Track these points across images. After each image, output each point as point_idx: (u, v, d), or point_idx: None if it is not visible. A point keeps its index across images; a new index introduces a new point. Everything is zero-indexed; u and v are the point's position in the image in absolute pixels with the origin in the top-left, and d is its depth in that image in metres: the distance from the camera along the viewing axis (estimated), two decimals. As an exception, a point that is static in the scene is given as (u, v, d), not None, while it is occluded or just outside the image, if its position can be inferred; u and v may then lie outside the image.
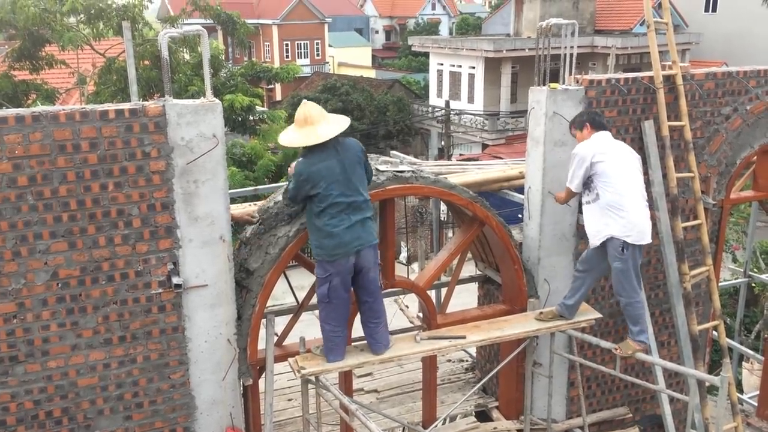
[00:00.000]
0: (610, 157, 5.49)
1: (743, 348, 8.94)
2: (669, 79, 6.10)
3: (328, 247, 4.89)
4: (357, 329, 5.51)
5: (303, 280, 6.43)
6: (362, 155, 5.06)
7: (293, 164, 5.00)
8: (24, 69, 16.04)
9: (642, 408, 7.05)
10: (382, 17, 68.28)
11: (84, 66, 17.15)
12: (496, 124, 32.09)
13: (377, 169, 5.56)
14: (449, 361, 7.83)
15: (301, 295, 6.13)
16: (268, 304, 5.52)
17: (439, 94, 35.87)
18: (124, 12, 15.78)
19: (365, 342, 5.40)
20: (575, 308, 5.89)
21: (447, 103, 29.23)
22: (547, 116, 5.83)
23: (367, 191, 5.07)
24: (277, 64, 31.42)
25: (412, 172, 5.67)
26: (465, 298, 8.32)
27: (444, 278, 7.86)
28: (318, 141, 4.85)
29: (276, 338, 5.70)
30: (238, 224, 5.67)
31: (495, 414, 6.76)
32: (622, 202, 5.43)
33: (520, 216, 6.38)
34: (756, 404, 8.12)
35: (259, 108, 18.68)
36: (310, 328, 6.83)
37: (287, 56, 51.56)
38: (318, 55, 53.85)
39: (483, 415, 6.83)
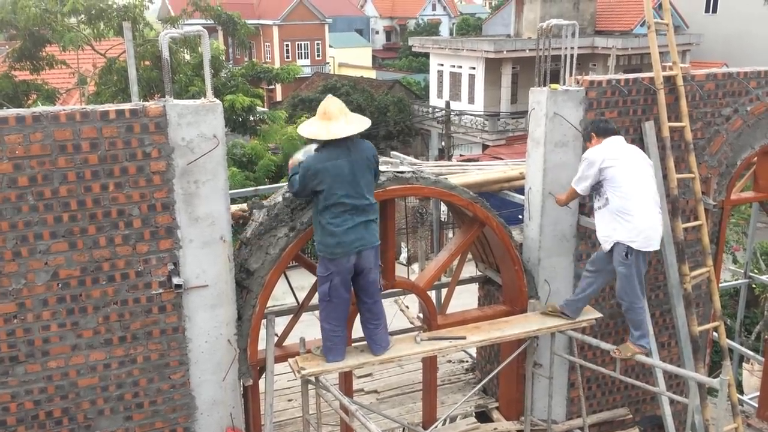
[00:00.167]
0: (621, 163, 5.48)
1: (743, 349, 8.92)
2: (669, 80, 6.10)
3: (330, 245, 4.89)
4: (357, 329, 5.51)
5: (303, 280, 6.43)
6: (373, 159, 5.03)
7: (294, 157, 4.99)
8: (24, 69, 16.02)
9: (642, 409, 7.05)
10: (382, 18, 68.25)
11: (84, 66, 17.15)
12: (497, 125, 32.06)
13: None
14: (449, 361, 7.83)
15: (302, 296, 6.13)
16: (268, 305, 5.52)
17: (440, 94, 35.84)
18: (125, 12, 15.78)
19: (365, 343, 5.41)
20: (580, 308, 5.89)
21: (447, 104, 29.26)
22: (547, 117, 5.83)
23: (374, 195, 5.06)
24: (277, 65, 31.34)
25: (413, 172, 5.68)
26: (465, 298, 8.32)
27: (444, 279, 7.87)
28: (328, 137, 4.84)
29: (276, 339, 5.70)
30: (232, 221, 5.68)
31: (495, 415, 6.76)
32: (630, 207, 5.42)
33: (520, 217, 6.38)
34: (756, 405, 8.11)
35: (259, 108, 18.64)
36: (310, 328, 6.83)
37: (288, 57, 51.58)
38: (318, 55, 53.86)
39: (483, 416, 6.83)
